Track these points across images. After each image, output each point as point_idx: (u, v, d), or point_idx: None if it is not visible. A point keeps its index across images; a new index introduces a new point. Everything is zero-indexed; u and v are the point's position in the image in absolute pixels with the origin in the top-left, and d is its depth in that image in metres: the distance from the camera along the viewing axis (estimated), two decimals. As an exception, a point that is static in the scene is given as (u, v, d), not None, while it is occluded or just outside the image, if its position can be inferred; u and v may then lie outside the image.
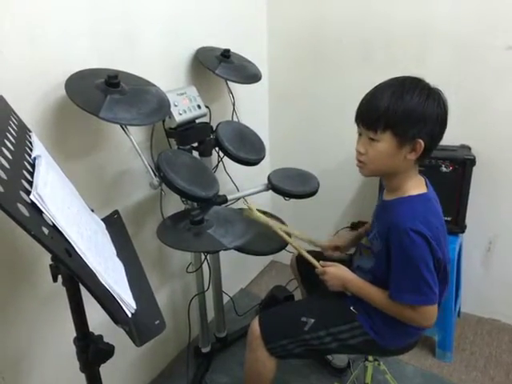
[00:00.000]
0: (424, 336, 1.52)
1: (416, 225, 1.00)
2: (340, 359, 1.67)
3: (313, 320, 1.19)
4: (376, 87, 1.05)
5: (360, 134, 1.09)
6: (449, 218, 1.63)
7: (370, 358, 1.37)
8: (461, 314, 1.96)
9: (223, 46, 1.56)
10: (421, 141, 1.00)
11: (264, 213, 1.41)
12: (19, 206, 0.58)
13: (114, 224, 1.06)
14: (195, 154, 1.47)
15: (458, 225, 1.66)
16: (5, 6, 0.97)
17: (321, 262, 1.25)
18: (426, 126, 1.00)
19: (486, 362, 1.72)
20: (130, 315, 0.74)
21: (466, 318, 1.95)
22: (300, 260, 1.40)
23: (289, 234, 1.34)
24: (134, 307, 0.76)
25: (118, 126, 1.14)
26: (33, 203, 0.63)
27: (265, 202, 2.08)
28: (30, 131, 0.90)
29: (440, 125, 1.03)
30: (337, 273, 1.20)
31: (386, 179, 1.15)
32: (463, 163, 1.58)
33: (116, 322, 0.69)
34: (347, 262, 1.27)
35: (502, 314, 1.91)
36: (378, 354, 1.33)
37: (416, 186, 1.09)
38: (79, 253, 0.69)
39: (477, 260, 1.88)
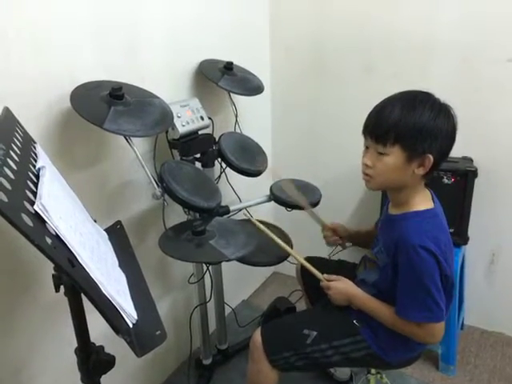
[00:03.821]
0: (427, 349, 1.51)
1: (424, 241, 0.99)
2: (342, 372, 1.66)
3: (315, 333, 1.18)
4: (385, 100, 1.05)
5: (367, 147, 1.07)
6: (451, 230, 1.59)
7: (373, 370, 1.36)
8: (464, 327, 1.94)
9: (226, 59, 1.57)
10: (430, 156, 0.99)
11: (267, 224, 1.42)
12: (23, 215, 0.59)
13: (117, 234, 1.06)
14: (198, 164, 1.48)
15: (460, 236, 1.65)
16: (10, 18, 0.98)
17: (325, 275, 1.24)
18: (436, 142, 0.99)
19: (490, 375, 1.70)
20: (131, 325, 0.74)
21: (470, 330, 1.93)
22: (305, 269, 1.39)
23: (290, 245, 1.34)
24: (136, 317, 0.76)
25: (122, 137, 1.15)
26: (36, 213, 0.64)
27: (267, 212, 2.08)
28: (34, 142, 0.91)
29: (449, 140, 1.02)
30: (341, 287, 1.19)
31: (392, 193, 1.13)
32: (465, 175, 1.59)
33: (117, 332, 0.69)
34: (350, 275, 1.26)
35: (506, 326, 1.89)
36: (380, 367, 1.31)
37: (423, 200, 1.08)
38: (82, 263, 0.69)
39: (480, 272, 1.87)
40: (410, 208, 1.07)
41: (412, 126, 0.98)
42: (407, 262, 1.01)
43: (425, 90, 1.04)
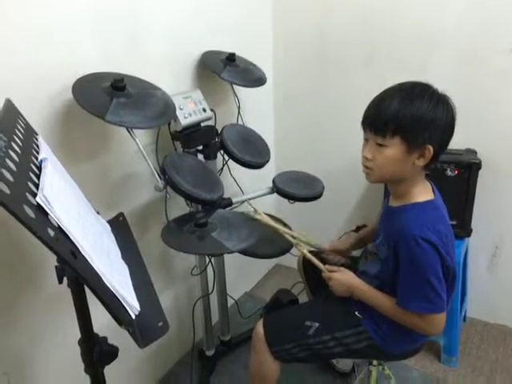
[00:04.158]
0: (429, 341, 1.51)
1: (425, 232, 0.99)
2: (345, 363, 1.67)
3: (317, 324, 1.18)
4: (384, 92, 1.04)
5: (366, 140, 1.07)
6: (454, 222, 1.62)
7: (375, 362, 1.37)
8: (467, 319, 1.94)
9: (228, 50, 1.56)
10: (430, 147, 0.99)
11: (269, 216, 1.42)
12: (25, 207, 0.59)
13: (119, 226, 1.07)
14: (200, 157, 1.48)
15: (463, 229, 1.65)
16: (11, 10, 0.98)
17: (326, 266, 1.24)
18: (436, 132, 0.99)
19: (492, 367, 1.70)
20: (133, 317, 0.75)
21: (472, 322, 1.94)
22: (306, 261, 1.40)
23: (293, 237, 1.35)
24: (138, 309, 0.77)
25: (124, 129, 1.15)
26: (39, 205, 0.64)
27: (269, 204, 2.08)
28: (36, 134, 0.91)
29: (448, 131, 1.02)
30: (343, 278, 1.19)
31: (392, 185, 1.13)
32: (469, 167, 1.58)
33: (120, 323, 0.70)
34: (352, 267, 1.26)
35: (509, 319, 1.90)
36: (382, 358, 1.32)
37: (423, 192, 1.08)
38: (84, 255, 0.70)
39: (483, 264, 1.86)
40: (411, 200, 1.07)
41: (411, 117, 0.98)
42: (408, 254, 1.02)
43: (423, 81, 1.03)
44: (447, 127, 1.01)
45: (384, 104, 1.01)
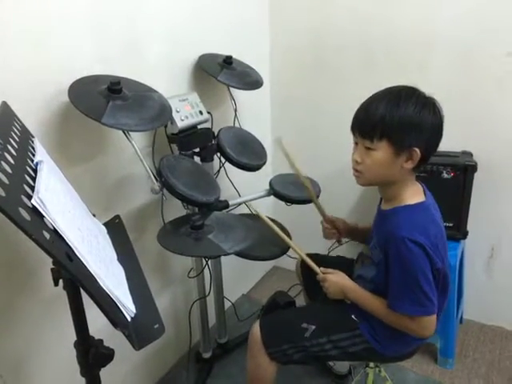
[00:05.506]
0: (426, 342, 1.51)
1: (413, 234, 1.00)
2: (341, 366, 1.67)
3: (313, 327, 1.18)
4: (371, 97, 1.06)
5: (356, 143, 1.09)
6: (450, 224, 1.63)
7: (371, 364, 1.37)
8: (463, 321, 1.95)
9: (225, 53, 1.57)
10: (417, 149, 1.01)
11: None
12: (20, 210, 0.59)
13: (116, 228, 1.07)
14: (197, 159, 1.48)
15: (459, 231, 1.65)
16: (9, 13, 0.98)
17: (321, 268, 1.25)
18: (422, 135, 1.01)
19: (489, 368, 1.71)
20: (129, 319, 0.75)
21: (469, 324, 1.94)
22: (304, 265, 1.40)
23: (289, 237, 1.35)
24: (134, 311, 0.77)
25: (120, 131, 1.15)
26: (34, 207, 0.64)
27: (266, 207, 2.08)
28: (32, 137, 0.91)
29: (436, 133, 1.03)
30: (337, 280, 1.20)
31: (382, 189, 1.14)
32: (464, 169, 1.58)
33: (115, 325, 0.70)
34: (348, 271, 1.26)
35: (505, 320, 1.90)
36: (378, 361, 1.32)
37: (413, 194, 1.09)
38: (80, 257, 0.70)
39: (479, 266, 1.87)
40: (401, 202, 1.08)
41: (397, 120, 0.99)
42: (397, 255, 1.02)
43: (410, 85, 1.05)
44: (434, 130, 1.02)
45: (371, 109, 1.03)
